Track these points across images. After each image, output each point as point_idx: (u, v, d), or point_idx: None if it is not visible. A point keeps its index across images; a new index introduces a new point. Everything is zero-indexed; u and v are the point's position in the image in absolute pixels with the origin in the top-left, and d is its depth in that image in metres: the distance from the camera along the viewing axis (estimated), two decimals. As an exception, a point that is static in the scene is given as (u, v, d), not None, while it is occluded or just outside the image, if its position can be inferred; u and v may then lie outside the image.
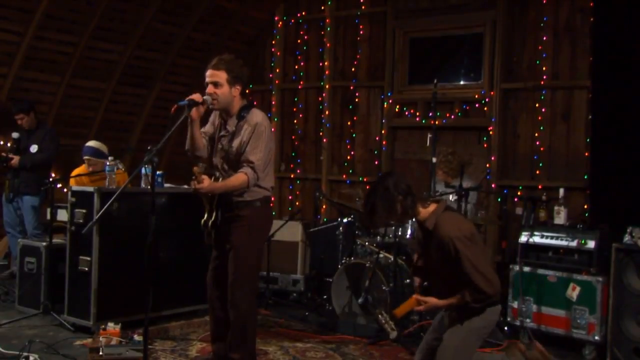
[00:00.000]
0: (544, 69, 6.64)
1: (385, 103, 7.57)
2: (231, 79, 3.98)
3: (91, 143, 6.22)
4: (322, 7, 8.08)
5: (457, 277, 3.22)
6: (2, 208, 6.57)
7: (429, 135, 5.75)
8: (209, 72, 4.00)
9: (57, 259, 5.51)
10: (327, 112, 8.04)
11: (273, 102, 8.44)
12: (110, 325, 4.75)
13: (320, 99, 8.15)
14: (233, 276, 4.02)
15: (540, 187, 6.49)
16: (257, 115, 4.05)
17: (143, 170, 5.21)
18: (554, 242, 5.30)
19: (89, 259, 5.04)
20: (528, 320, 5.32)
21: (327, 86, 8.04)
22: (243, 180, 3.93)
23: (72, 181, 5.90)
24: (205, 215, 4.10)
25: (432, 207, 3.37)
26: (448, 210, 3.39)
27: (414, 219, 3.44)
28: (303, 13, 8.28)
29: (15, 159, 6.21)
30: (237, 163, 4.02)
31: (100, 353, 4.40)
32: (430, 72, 7.33)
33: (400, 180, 3.33)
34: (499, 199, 6.70)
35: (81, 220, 5.10)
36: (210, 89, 3.97)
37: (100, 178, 5.81)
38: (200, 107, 3.92)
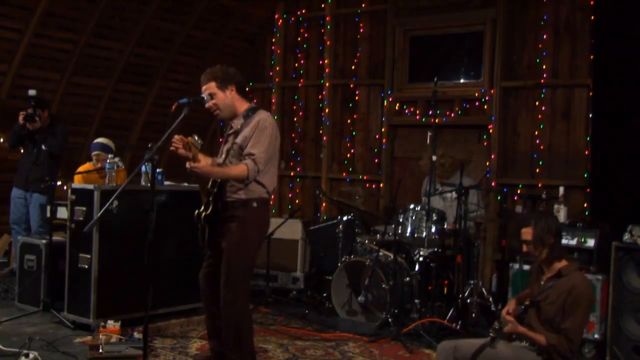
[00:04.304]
0: (544, 67, 6.64)
1: (386, 101, 7.56)
2: (220, 83, 4.03)
3: (99, 139, 6.25)
4: (323, 5, 8.07)
5: (555, 323, 3.47)
6: (9, 205, 6.56)
7: (429, 134, 5.76)
8: (202, 88, 4.08)
9: (57, 256, 5.52)
10: (327, 110, 8.04)
11: (273, 100, 8.44)
12: (110, 322, 4.76)
13: (320, 97, 8.14)
14: (225, 276, 3.99)
15: (540, 185, 6.49)
16: (262, 114, 4.08)
17: (143, 168, 5.22)
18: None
19: (88, 256, 5.05)
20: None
21: (327, 84, 8.04)
22: (242, 170, 3.89)
23: (78, 177, 5.88)
24: (202, 207, 4.09)
25: (564, 261, 3.63)
26: (582, 270, 3.70)
27: (542, 262, 3.69)
28: (303, 11, 8.27)
29: (38, 122, 6.15)
30: (239, 159, 4.01)
31: (100, 350, 4.42)
32: (431, 70, 7.34)
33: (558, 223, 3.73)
34: (499, 197, 6.70)
35: (81, 218, 5.11)
36: (210, 103, 4.04)
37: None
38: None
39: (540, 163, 6.65)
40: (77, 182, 5.67)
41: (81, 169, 6.18)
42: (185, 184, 5.93)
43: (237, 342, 4.04)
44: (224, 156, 4.14)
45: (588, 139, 6.32)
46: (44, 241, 5.65)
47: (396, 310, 5.50)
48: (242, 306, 4.05)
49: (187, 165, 3.83)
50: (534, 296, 3.61)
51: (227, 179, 3.98)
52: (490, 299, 5.93)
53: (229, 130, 4.17)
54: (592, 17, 6.26)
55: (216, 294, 4.11)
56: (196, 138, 3.84)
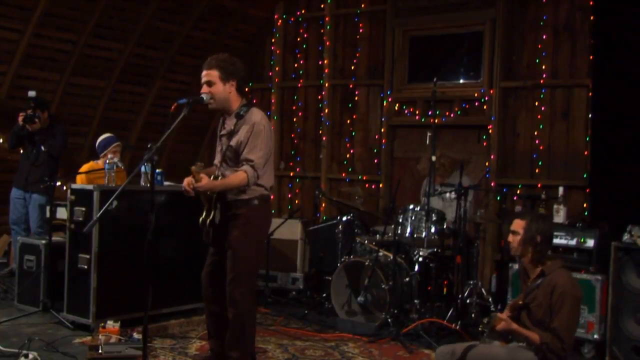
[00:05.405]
0: (543, 67, 6.64)
1: (385, 101, 7.56)
2: (224, 75, 4.02)
3: (107, 135, 6.18)
4: (322, 6, 8.07)
5: (545, 324, 3.46)
6: (9, 206, 6.56)
7: (429, 134, 5.76)
8: (203, 73, 4.07)
9: (57, 256, 5.51)
10: (326, 111, 8.03)
11: (272, 101, 8.44)
12: (110, 323, 4.76)
13: (319, 97, 8.14)
14: (231, 275, 4.02)
15: (539, 185, 6.49)
16: (255, 114, 4.06)
17: (142, 168, 5.22)
18: (553, 240, 5.28)
19: (88, 256, 5.05)
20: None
21: (326, 84, 8.03)
22: (242, 178, 3.93)
23: (82, 177, 5.81)
24: (204, 214, 4.11)
25: (547, 261, 3.66)
26: (565, 268, 3.68)
27: (524, 262, 3.71)
28: (303, 11, 8.27)
29: (37, 123, 6.15)
30: (235, 162, 4.03)
31: (100, 351, 4.41)
32: (430, 70, 7.33)
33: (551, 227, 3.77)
34: (498, 198, 6.70)
35: (81, 218, 5.11)
36: (204, 88, 4.04)
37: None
38: None
39: (540, 163, 6.65)
40: (81, 182, 5.64)
41: (84, 168, 6.09)
42: (185, 184, 5.91)
43: (240, 340, 4.05)
44: (219, 157, 4.16)
45: (587, 139, 6.32)
46: (43, 241, 5.65)
47: (396, 311, 5.50)
48: (248, 304, 4.07)
49: (190, 185, 3.87)
50: (524, 298, 3.63)
51: (229, 189, 4.00)
52: (490, 299, 5.93)
53: (222, 131, 4.17)
54: (592, 18, 6.27)
55: (217, 293, 4.13)
56: (197, 164, 3.89)
